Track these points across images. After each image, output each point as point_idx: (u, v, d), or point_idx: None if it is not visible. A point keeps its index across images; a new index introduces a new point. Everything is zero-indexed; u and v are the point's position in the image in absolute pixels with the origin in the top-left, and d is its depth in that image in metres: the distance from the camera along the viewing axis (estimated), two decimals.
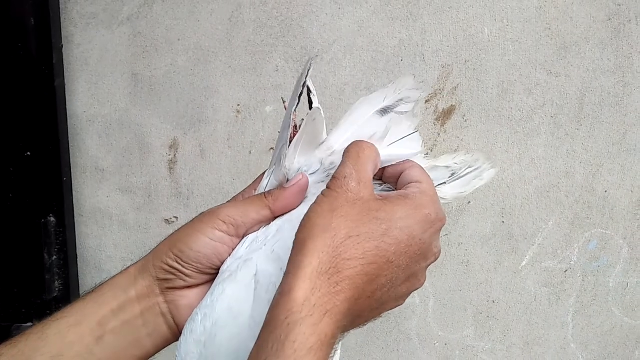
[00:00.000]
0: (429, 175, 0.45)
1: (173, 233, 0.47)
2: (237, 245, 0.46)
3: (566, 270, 1.09)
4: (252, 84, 1.09)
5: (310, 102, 0.50)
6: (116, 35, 1.09)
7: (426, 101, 1.06)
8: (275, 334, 0.33)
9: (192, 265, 0.44)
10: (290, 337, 0.32)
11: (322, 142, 0.49)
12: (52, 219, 1.06)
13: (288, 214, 0.46)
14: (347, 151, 0.44)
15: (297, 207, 0.46)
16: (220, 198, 1.13)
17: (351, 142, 0.45)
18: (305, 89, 0.49)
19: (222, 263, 0.45)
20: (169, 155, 1.13)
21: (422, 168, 0.46)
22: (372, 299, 0.38)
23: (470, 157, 0.50)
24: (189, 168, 1.13)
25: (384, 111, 0.50)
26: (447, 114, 1.06)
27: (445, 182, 0.48)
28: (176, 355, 0.43)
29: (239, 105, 1.10)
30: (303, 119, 0.48)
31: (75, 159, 1.14)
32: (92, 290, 0.46)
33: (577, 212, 1.07)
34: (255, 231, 0.46)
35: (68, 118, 1.11)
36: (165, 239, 0.47)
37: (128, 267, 0.47)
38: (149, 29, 1.09)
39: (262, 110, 1.09)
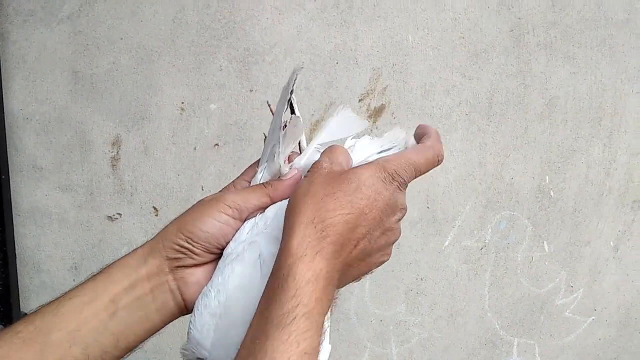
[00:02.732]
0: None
1: (179, 217, 0.51)
2: (239, 229, 0.51)
3: (482, 248, 1.24)
4: (196, 83, 1.13)
5: (292, 107, 0.56)
6: (56, 33, 1.09)
7: (360, 100, 1.17)
8: (279, 274, 0.41)
9: (202, 245, 0.49)
10: (291, 274, 0.40)
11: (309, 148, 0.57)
12: None
13: (282, 202, 0.52)
14: (323, 152, 0.52)
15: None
16: (166, 193, 1.16)
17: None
18: (292, 95, 0.55)
19: (227, 244, 0.51)
20: (112, 152, 1.15)
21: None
22: (357, 249, 0.46)
23: (405, 134, 0.61)
24: (132, 165, 1.15)
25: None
26: (379, 112, 1.18)
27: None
28: (190, 329, 0.47)
29: (183, 103, 1.14)
30: (286, 124, 0.55)
31: (11, 157, 1.11)
32: (100, 272, 0.49)
33: (490, 197, 1.23)
34: (253, 217, 0.52)
35: (4, 116, 1.09)
36: (171, 223, 0.51)
37: (136, 250, 0.51)
38: (90, 27, 1.10)
39: (206, 108, 1.14)
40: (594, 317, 1.28)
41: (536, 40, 1.18)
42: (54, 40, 1.10)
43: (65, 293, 0.47)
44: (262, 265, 0.47)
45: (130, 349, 0.48)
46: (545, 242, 1.25)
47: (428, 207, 1.22)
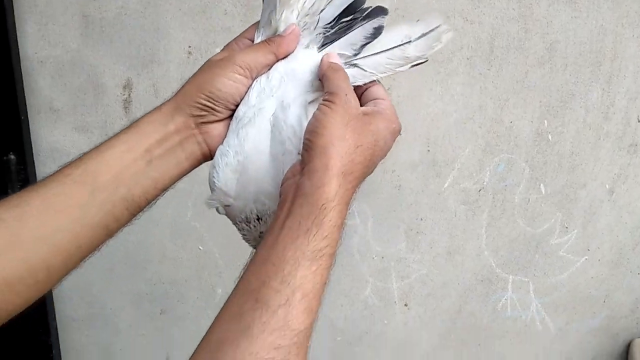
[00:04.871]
0: (386, 91, 0.58)
1: (193, 78, 0.56)
2: (248, 88, 0.57)
3: (480, 190, 1.29)
4: (202, 27, 1.16)
5: None
6: None
7: None
8: (314, 213, 0.46)
9: (222, 103, 0.55)
10: (327, 217, 0.46)
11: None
12: (13, 156, 1.09)
13: (285, 63, 0.57)
14: (331, 73, 0.55)
15: (293, 52, 0.58)
16: None
17: (326, 65, 0.56)
18: None
19: (241, 100, 0.57)
20: (124, 94, 1.19)
21: (382, 86, 0.58)
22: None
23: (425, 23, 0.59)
24: (144, 107, 1.20)
25: None
26: None
27: (410, 41, 0.56)
28: (215, 182, 0.55)
29: (190, 46, 1.17)
30: None
31: (28, 99, 1.16)
32: (129, 127, 0.55)
33: (488, 140, 1.26)
34: (261, 75, 0.57)
35: (20, 59, 1.13)
36: (188, 83, 0.56)
37: (159, 107, 0.56)
38: None
39: (212, 52, 1.16)
40: (586, 257, 1.34)
41: None
42: None
43: (102, 143, 0.54)
44: (272, 129, 0.55)
45: (166, 189, 0.56)
46: (541, 184, 1.29)
47: (428, 150, 1.26)
